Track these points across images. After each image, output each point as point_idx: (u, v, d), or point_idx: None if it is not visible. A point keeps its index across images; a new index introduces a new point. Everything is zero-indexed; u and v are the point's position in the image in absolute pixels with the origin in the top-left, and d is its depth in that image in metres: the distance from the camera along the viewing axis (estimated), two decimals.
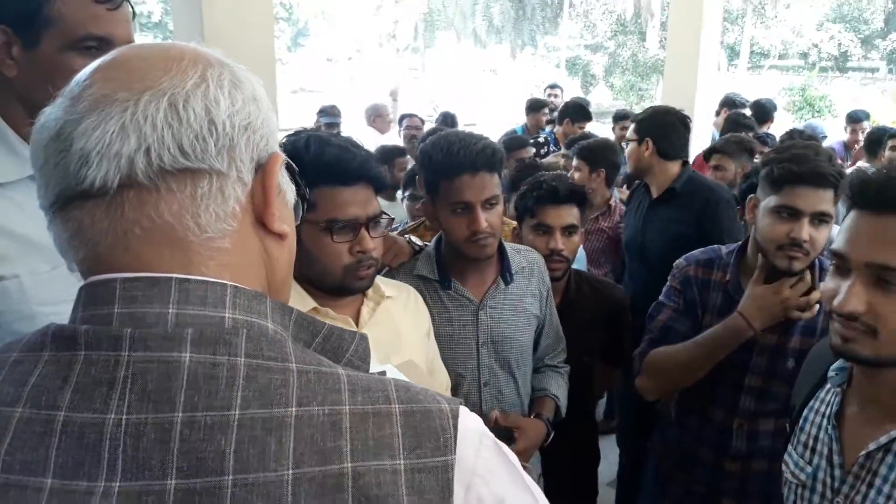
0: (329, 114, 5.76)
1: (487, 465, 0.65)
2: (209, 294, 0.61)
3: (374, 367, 1.26)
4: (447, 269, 1.89)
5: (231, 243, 0.64)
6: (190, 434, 0.55)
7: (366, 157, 1.46)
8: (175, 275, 0.61)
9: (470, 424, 0.65)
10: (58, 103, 0.63)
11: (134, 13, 1.31)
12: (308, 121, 5.93)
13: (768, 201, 1.74)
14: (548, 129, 6.02)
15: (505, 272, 1.90)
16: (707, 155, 3.85)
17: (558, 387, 2.05)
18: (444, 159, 1.76)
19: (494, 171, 1.78)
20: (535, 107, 6.39)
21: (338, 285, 1.48)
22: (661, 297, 1.99)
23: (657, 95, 16.01)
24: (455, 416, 0.63)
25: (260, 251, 0.68)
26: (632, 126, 3.14)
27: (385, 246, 1.89)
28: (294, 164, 0.74)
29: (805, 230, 1.68)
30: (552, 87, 7.94)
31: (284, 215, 0.70)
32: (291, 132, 1.57)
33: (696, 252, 2.01)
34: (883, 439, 1.17)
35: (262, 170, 0.66)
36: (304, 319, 0.68)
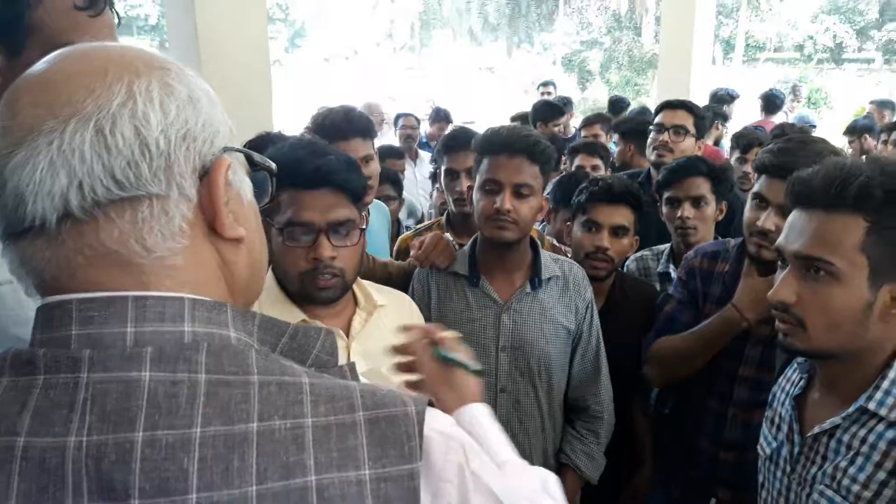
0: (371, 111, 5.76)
1: (457, 469, 0.65)
2: (167, 309, 0.61)
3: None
4: (478, 266, 1.89)
5: (184, 259, 0.63)
6: (151, 453, 0.55)
7: (333, 163, 1.40)
8: (131, 293, 0.61)
9: (437, 426, 0.65)
10: None
11: (119, 19, 1.28)
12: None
13: (752, 190, 1.81)
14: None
15: (534, 277, 1.88)
16: None
17: (582, 453, 1.94)
18: (491, 136, 1.80)
19: (536, 162, 1.78)
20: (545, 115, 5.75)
21: (297, 292, 1.45)
22: (669, 289, 2.04)
23: (653, 90, 16.06)
24: (420, 422, 0.63)
25: (215, 260, 0.67)
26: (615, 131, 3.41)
27: (432, 245, 1.94)
28: (252, 152, 0.73)
29: (770, 220, 1.71)
30: (545, 84, 7.79)
31: (240, 216, 0.68)
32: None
33: (706, 244, 2.06)
34: (826, 424, 1.23)
35: (206, 178, 0.64)
36: (268, 322, 0.68)
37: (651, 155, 3.13)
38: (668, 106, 3.26)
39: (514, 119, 6.19)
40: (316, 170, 1.38)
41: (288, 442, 0.58)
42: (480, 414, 1.01)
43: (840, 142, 5.29)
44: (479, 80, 22.36)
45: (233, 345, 0.63)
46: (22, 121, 0.59)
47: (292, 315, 1.45)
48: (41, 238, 0.60)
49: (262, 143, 1.94)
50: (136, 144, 0.59)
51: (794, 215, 1.24)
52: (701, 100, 6.13)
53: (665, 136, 3.10)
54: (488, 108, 15.67)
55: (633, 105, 7.03)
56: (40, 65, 0.63)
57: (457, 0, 25.81)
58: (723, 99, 5.80)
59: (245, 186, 0.70)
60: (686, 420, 1.98)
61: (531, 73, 21.06)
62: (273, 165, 0.75)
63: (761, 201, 1.76)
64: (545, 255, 1.94)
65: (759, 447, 1.42)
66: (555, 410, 1.94)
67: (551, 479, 0.90)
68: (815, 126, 6.23)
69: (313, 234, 1.40)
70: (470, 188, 1.95)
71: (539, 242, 1.97)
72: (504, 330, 1.85)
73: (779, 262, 1.28)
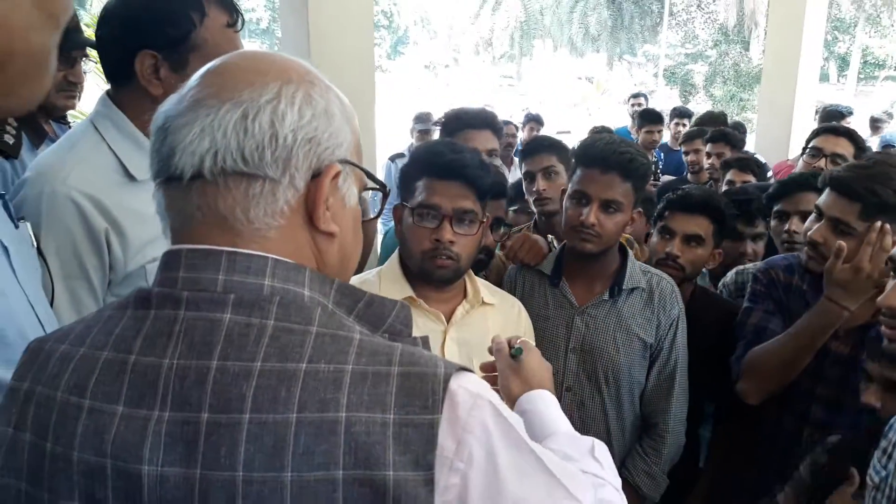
0: (423, 120, 5.89)
1: (481, 423, 0.70)
2: (252, 264, 0.73)
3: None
4: (562, 269, 1.94)
5: (277, 235, 0.75)
6: (221, 378, 0.68)
7: (466, 159, 1.55)
8: (226, 248, 0.73)
9: (467, 387, 0.71)
10: (172, 97, 0.76)
11: (243, 23, 1.46)
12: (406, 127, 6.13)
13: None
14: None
15: (615, 285, 1.90)
16: None
17: (643, 472, 1.93)
18: (587, 148, 1.85)
19: (628, 179, 1.80)
20: (650, 118, 5.62)
21: (418, 268, 1.58)
22: (746, 303, 1.99)
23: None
24: (447, 381, 0.70)
25: (309, 243, 0.78)
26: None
27: (519, 243, 2.02)
28: (371, 172, 0.85)
29: (819, 232, 1.77)
30: (636, 96, 7.43)
31: (338, 216, 0.79)
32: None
33: (776, 258, 2.04)
34: None
35: (318, 178, 0.76)
36: (346, 288, 0.78)
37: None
38: (829, 132, 3.02)
39: (592, 131, 6.21)
40: (451, 162, 1.54)
41: (328, 382, 0.68)
42: (539, 397, 1.11)
43: None
44: (577, 90, 22.19)
45: (304, 301, 0.74)
46: (194, 94, 0.74)
47: (403, 290, 1.61)
48: (178, 189, 0.74)
49: None
50: (269, 134, 0.72)
51: None
52: (805, 117, 5.93)
53: (821, 164, 2.85)
54: (586, 118, 15.57)
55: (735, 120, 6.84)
56: (223, 58, 0.78)
57: (559, 10, 25.73)
58: (832, 115, 5.55)
59: (350, 194, 0.82)
60: (758, 439, 1.94)
61: (632, 85, 20.78)
62: (387, 189, 0.89)
63: (819, 214, 1.78)
64: (635, 265, 1.95)
65: (867, 477, 1.39)
66: (624, 420, 1.95)
67: (599, 446, 0.99)
68: None
69: (439, 218, 1.54)
70: (547, 189, 2.05)
71: (629, 252, 1.98)
72: (575, 332, 1.89)
73: (891, 272, 1.27)
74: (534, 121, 6.98)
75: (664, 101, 18.63)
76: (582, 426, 1.86)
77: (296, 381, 0.68)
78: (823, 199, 1.78)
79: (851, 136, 2.98)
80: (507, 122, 6.48)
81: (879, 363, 1.53)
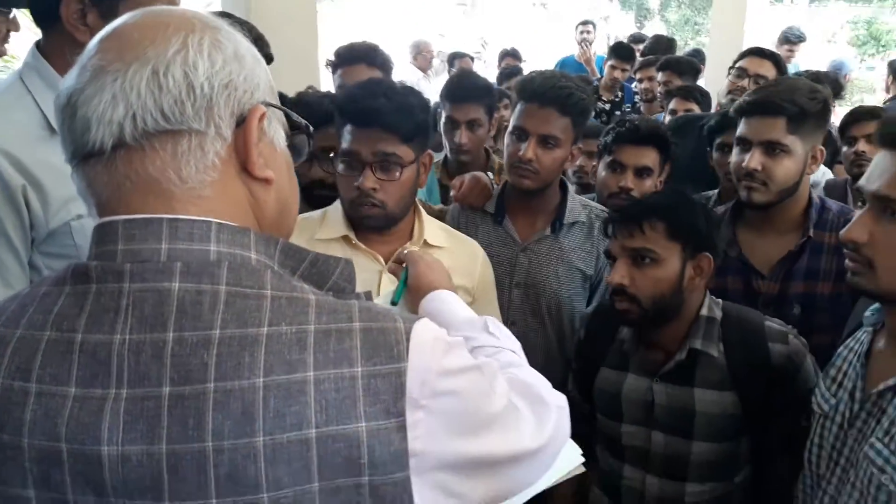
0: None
1: (439, 361, 0.74)
2: (195, 230, 0.72)
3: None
4: (505, 206, 1.97)
5: (213, 191, 0.74)
6: (179, 350, 0.68)
7: (382, 104, 1.48)
8: (166, 215, 0.72)
9: (424, 335, 0.75)
10: (72, 71, 0.74)
11: None
12: None
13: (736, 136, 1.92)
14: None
15: (556, 221, 1.94)
16: None
17: None
18: (526, 83, 1.85)
19: (567, 114, 1.81)
20: (617, 53, 5.37)
21: (349, 216, 1.58)
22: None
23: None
24: (408, 332, 0.74)
25: (245, 195, 0.78)
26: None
27: (470, 186, 2.02)
28: (290, 112, 0.84)
29: (756, 159, 1.81)
30: (584, 23, 7.24)
31: (271, 161, 0.79)
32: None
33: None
34: (891, 381, 1.22)
35: (243, 124, 0.75)
36: (290, 248, 0.79)
37: (724, 98, 3.03)
38: (755, 53, 3.15)
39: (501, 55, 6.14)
40: (365, 108, 1.49)
41: (292, 343, 0.69)
42: (433, 298, 1.21)
43: None
44: (531, 16, 21.80)
45: (251, 264, 0.74)
46: (95, 63, 0.72)
47: (340, 230, 1.62)
48: (100, 163, 0.72)
49: (298, 101, 2.06)
50: (184, 86, 0.71)
51: (879, 156, 1.23)
52: (757, 41, 5.93)
53: (745, 83, 2.98)
54: (539, 45, 15.34)
55: (691, 46, 6.79)
56: (117, 21, 0.76)
57: None
58: (787, 40, 5.55)
59: (278, 137, 0.82)
60: None
61: (586, 9, 20.47)
62: (310, 128, 0.88)
63: (745, 144, 1.83)
64: (574, 199, 1.99)
65: (814, 404, 1.44)
66: (567, 349, 2.01)
67: (491, 322, 1.12)
68: (849, 71, 5.90)
69: (361, 165, 1.51)
70: (468, 143, 2.24)
71: (569, 187, 2.02)
72: (519, 269, 1.95)
73: (858, 202, 1.30)
74: (510, 56, 6.56)
75: (619, 26, 18.42)
76: (528, 357, 1.90)
77: (258, 345, 0.69)
78: (744, 128, 1.83)
79: (776, 60, 3.13)
80: (463, 55, 6.32)
81: None
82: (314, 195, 1.96)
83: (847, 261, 1.28)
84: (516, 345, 1.07)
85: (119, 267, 0.71)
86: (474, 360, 0.81)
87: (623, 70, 5.29)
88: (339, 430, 0.68)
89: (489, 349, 1.02)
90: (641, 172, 2.17)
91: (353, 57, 2.59)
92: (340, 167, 1.55)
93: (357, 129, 1.51)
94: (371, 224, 1.58)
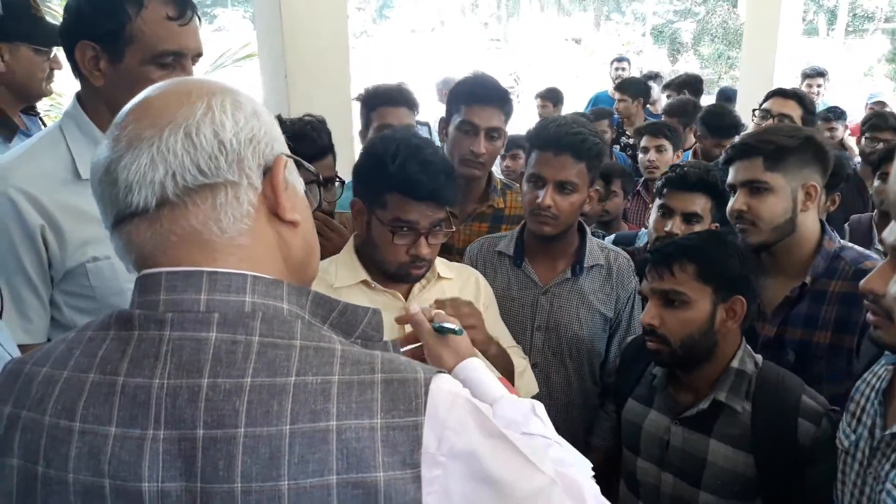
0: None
1: (459, 420, 0.77)
2: (232, 283, 0.77)
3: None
4: (525, 249, 2.00)
5: (249, 239, 0.80)
6: (213, 395, 0.72)
7: (441, 181, 1.54)
8: (206, 268, 0.77)
9: (445, 387, 0.78)
10: (104, 145, 0.79)
11: (200, 21, 1.44)
12: None
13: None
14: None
15: (576, 265, 1.97)
16: None
17: (609, 430, 2.06)
18: (540, 131, 1.89)
19: (582, 159, 1.85)
20: (621, 88, 5.56)
21: (391, 275, 1.62)
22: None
23: None
24: (427, 384, 0.76)
25: (275, 239, 0.83)
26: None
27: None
28: (302, 161, 0.89)
29: (740, 201, 1.87)
30: (619, 60, 7.29)
31: (296, 205, 0.85)
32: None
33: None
34: None
35: (269, 172, 0.82)
36: (321, 298, 0.84)
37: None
38: (778, 94, 3.22)
39: (537, 96, 6.15)
40: (430, 190, 1.54)
41: (317, 393, 0.73)
42: (473, 366, 1.21)
43: None
44: (565, 52, 22.00)
45: (284, 315, 0.79)
46: (129, 132, 0.78)
47: (357, 275, 1.65)
48: (144, 221, 0.77)
49: (298, 134, 2.04)
50: (216, 143, 0.77)
51: None
52: (789, 75, 5.91)
53: (769, 123, 3.01)
54: (574, 80, 15.46)
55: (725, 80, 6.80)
56: (142, 94, 0.82)
57: None
58: (806, 76, 5.55)
59: (298, 184, 0.88)
60: None
61: (619, 45, 20.59)
62: (320, 177, 0.94)
63: (733, 190, 1.88)
64: (592, 243, 2.03)
65: (837, 440, 1.43)
66: (587, 391, 2.05)
67: (538, 406, 1.09)
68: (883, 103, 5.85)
69: (416, 234, 1.56)
70: (485, 154, 2.16)
71: (587, 230, 2.05)
72: (541, 311, 1.98)
73: (883, 255, 1.28)
74: (542, 97, 6.32)
75: (652, 61, 18.49)
76: (549, 398, 1.96)
77: (286, 394, 0.73)
78: (730, 175, 1.89)
79: (799, 98, 3.16)
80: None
81: None
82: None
83: (868, 314, 1.27)
84: (555, 434, 1.06)
85: (161, 316, 0.76)
86: (504, 432, 0.81)
87: (622, 101, 5.43)
88: (358, 478, 0.72)
89: (539, 439, 1.01)
90: (690, 218, 2.19)
91: (391, 99, 2.61)
92: (389, 234, 1.56)
93: (413, 202, 1.54)
94: (417, 279, 1.65)
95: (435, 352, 1.23)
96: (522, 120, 5.99)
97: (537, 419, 1.05)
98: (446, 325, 1.23)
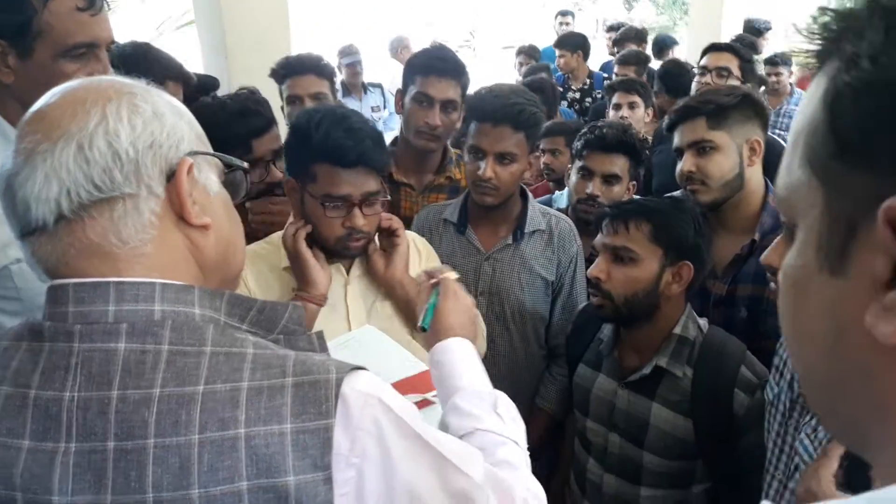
0: (348, 53, 5.58)
1: (372, 420, 0.77)
2: (140, 292, 0.76)
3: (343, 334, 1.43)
4: (468, 216, 2.02)
5: (153, 247, 0.78)
6: (123, 407, 0.72)
7: (368, 145, 1.52)
8: (113, 279, 0.76)
9: (358, 387, 0.78)
10: (8, 154, 0.78)
11: (109, 6, 1.38)
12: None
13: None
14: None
15: (518, 230, 2.00)
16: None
17: (554, 392, 2.10)
18: (478, 103, 1.90)
19: (519, 128, 1.86)
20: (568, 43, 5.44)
21: (330, 250, 1.60)
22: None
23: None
24: (338, 385, 0.76)
25: (185, 244, 0.82)
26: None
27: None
28: (224, 156, 0.88)
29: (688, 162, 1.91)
30: (563, 14, 7.14)
31: (207, 206, 0.83)
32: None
33: None
34: None
35: (173, 178, 0.79)
36: (236, 298, 0.84)
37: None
38: (712, 49, 3.32)
39: (519, 52, 6.07)
40: (357, 155, 1.51)
41: (226, 401, 0.74)
42: (450, 347, 1.16)
43: None
44: (519, 2, 21.71)
45: (195, 321, 0.78)
46: (25, 146, 0.76)
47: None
48: (44, 236, 0.77)
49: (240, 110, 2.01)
50: (110, 155, 0.75)
51: None
52: (736, 21, 5.90)
53: (708, 79, 3.13)
54: (527, 31, 15.31)
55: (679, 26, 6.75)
56: (39, 102, 0.79)
57: None
58: (753, 31, 5.55)
59: (211, 182, 0.85)
60: None
61: None
62: (245, 165, 0.91)
63: (679, 152, 1.92)
64: (534, 208, 2.05)
65: (764, 392, 1.49)
66: (532, 354, 2.09)
67: (502, 400, 1.08)
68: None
69: (349, 206, 1.54)
70: (441, 126, 2.14)
71: (529, 196, 2.07)
72: (483, 277, 2.01)
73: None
74: (524, 54, 6.22)
75: (608, 8, 18.33)
76: (493, 363, 1.98)
77: (194, 403, 0.73)
78: (676, 138, 1.93)
79: (733, 49, 3.28)
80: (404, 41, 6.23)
81: None
82: (276, 194, 1.98)
83: (772, 285, 1.32)
84: (520, 430, 1.05)
85: (70, 328, 0.75)
86: (420, 433, 0.81)
87: (562, 56, 5.35)
88: (269, 483, 0.73)
89: (491, 436, 0.99)
90: (609, 179, 2.21)
91: (298, 68, 2.57)
92: (321, 208, 1.55)
93: (342, 171, 1.52)
94: (356, 254, 1.63)
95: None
96: (481, 76, 5.90)
97: (496, 416, 1.03)
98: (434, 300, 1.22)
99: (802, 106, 0.46)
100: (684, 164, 1.90)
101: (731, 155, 1.87)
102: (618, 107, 3.47)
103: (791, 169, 0.47)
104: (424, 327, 1.21)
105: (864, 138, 0.40)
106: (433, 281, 1.27)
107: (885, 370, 0.42)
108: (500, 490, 0.87)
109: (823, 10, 0.44)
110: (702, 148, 1.87)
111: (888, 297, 0.40)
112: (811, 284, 0.46)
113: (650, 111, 3.61)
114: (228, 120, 1.91)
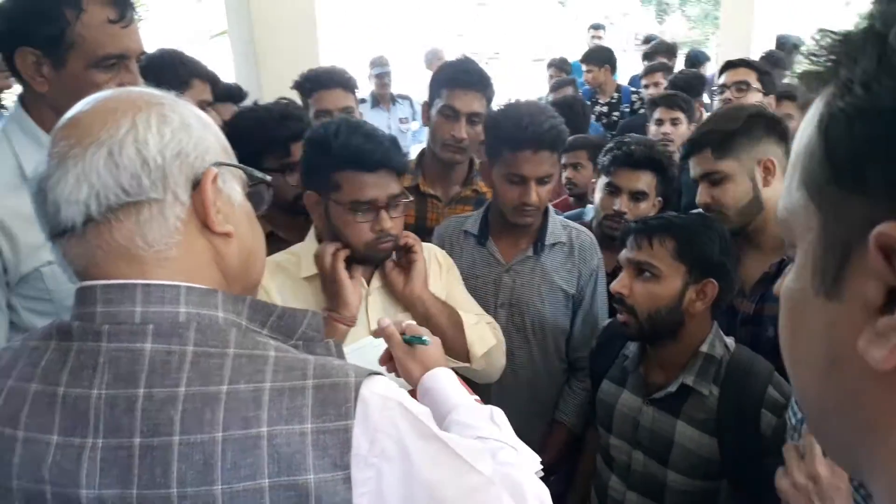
0: (378, 64, 5.64)
1: (391, 422, 0.80)
2: (166, 294, 0.79)
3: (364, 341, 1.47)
4: (489, 228, 2.03)
5: (178, 251, 0.81)
6: (149, 405, 0.75)
7: (388, 148, 1.57)
8: (139, 281, 0.79)
9: (377, 390, 0.80)
10: (42, 159, 0.81)
11: (133, 17, 1.41)
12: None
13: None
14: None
15: (538, 242, 2.00)
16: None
17: (573, 406, 2.09)
18: (512, 131, 1.86)
19: (556, 150, 1.88)
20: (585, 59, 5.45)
21: (360, 257, 1.62)
22: None
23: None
24: (357, 388, 0.79)
25: (209, 250, 0.85)
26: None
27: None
28: (249, 169, 0.91)
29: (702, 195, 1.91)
30: (595, 27, 7.15)
31: (230, 216, 0.86)
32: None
33: None
34: None
35: (198, 186, 0.82)
36: (258, 304, 0.87)
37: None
38: (728, 66, 3.33)
39: (550, 65, 6.05)
40: (380, 158, 1.54)
41: (249, 401, 0.76)
42: (437, 376, 1.22)
43: None
44: (550, 15, 21.71)
45: (219, 324, 0.81)
46: (58, 150, 0.79)
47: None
48: (73, 238, 0.80)
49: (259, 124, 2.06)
50: (138, 161, 0.78)
51: None
52: (768, 34, 5.83)
53: (728, 94, 3.14)
54: (558, 44, 15.32)
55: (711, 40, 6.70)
56: (72, 110, 0.83)
57: None
58: (782, 49, 5.46)
59: (235, 192, 0.88)
60: None
61: (606, 7, 20.32)
62: (268, 178, 0.95)
63: (695, 184, 1.91)
64: (555, 220, 2.05)
65: (786, 417, 1.46)
66: (552, 367, 2.07)
67: (497, 413, 1.12)
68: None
69: (376, 210, 1.56)
70: (466, 139, 2.15)
71: (550, 208, 2.07)
72: (504, 289, 2.00)
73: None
74: (555, 66, 6.16)
75: (639, 22, 18.30)
76: (513, 375, 1.98)
77: (218, 402, 0.75)
78: (691, 171, 1.92)
79: (748, 63, 3.29)
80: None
81: None
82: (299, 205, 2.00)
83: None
84: (515, 440, 1.08)
85: (98, 328, 0.78)
86: (438, 434, 0.84)
87: (589, 72, 5.35)
88: (290, 481, 0.75)
89: (493, 442, 1.03)
90: (636, 196, 2.20)
91: (324, 82, 2.58)
92: (349, 214, 1.57)
93: (367, 175, 1.54)
94: (387, 256, 1.65)
95: (404, 364, 1.26)
96: (510, 88, 5.87)
97: (494, 425, 1.08)
98: (414, 337, 1.28)
99: (802, 128, 0.46)
100: (700, 196, 1.89)
101: (742, 182, 1.84)
102: (660, 122, 3.41)
103: (790, 191, 0.47)
104: (412, 341, 1.28)
105: (857, 165, 0.40)
106: (401, 329, 1.30)
107: (876, 395, 0.42)
108: (510, 486, 0.90)
109: (824, 32, 0.44)
110: (713, 180, 1.86)
111: (880, 323, 0.40)
112: (808, 307, 0.46)
113: (693, 127, 3.58)
114: (273, 124, 1.99)
